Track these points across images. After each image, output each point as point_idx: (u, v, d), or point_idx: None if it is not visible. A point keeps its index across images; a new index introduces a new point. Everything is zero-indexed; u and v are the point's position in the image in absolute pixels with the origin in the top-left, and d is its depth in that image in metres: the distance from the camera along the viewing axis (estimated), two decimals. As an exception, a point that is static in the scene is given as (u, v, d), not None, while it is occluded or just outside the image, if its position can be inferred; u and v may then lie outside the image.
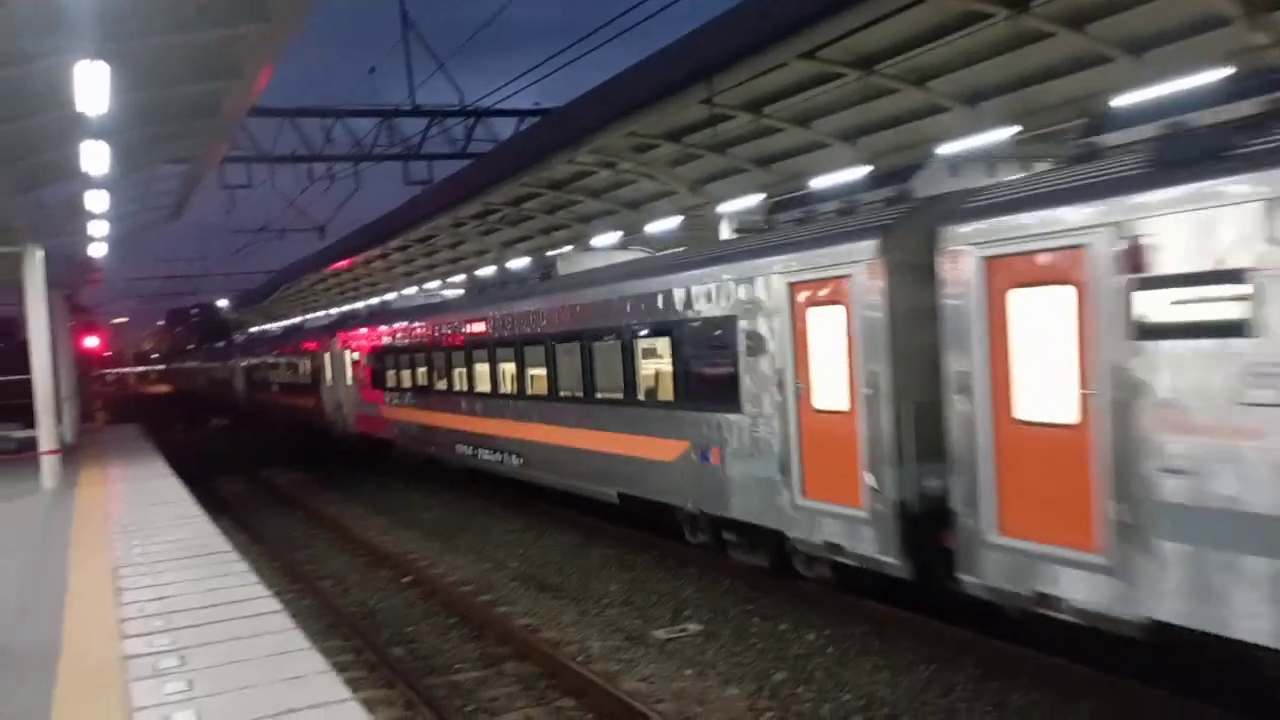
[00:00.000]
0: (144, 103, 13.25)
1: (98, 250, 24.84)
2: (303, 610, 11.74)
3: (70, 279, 30.74)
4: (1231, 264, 6.07)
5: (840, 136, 20.66)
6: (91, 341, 33.46)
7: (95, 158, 13.43)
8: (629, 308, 13.09)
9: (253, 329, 62.40)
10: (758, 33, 15.45)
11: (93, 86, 10.24)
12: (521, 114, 27.87)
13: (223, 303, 79.49)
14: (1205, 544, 6.24)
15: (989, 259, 7.79)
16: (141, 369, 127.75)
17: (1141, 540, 6.62)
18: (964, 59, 16.64)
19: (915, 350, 8.74)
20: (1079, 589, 7.08)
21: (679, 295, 11.95)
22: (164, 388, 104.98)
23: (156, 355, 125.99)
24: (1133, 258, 6.66)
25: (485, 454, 18.11)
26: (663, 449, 12.40)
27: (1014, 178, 9.05)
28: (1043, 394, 7.45)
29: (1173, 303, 6.46)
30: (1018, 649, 8.29)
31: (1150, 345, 6.58)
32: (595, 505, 14.46)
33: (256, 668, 6.13)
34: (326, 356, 29.10)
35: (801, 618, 10.02)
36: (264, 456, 29.81)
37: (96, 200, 16.90)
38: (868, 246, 9.05)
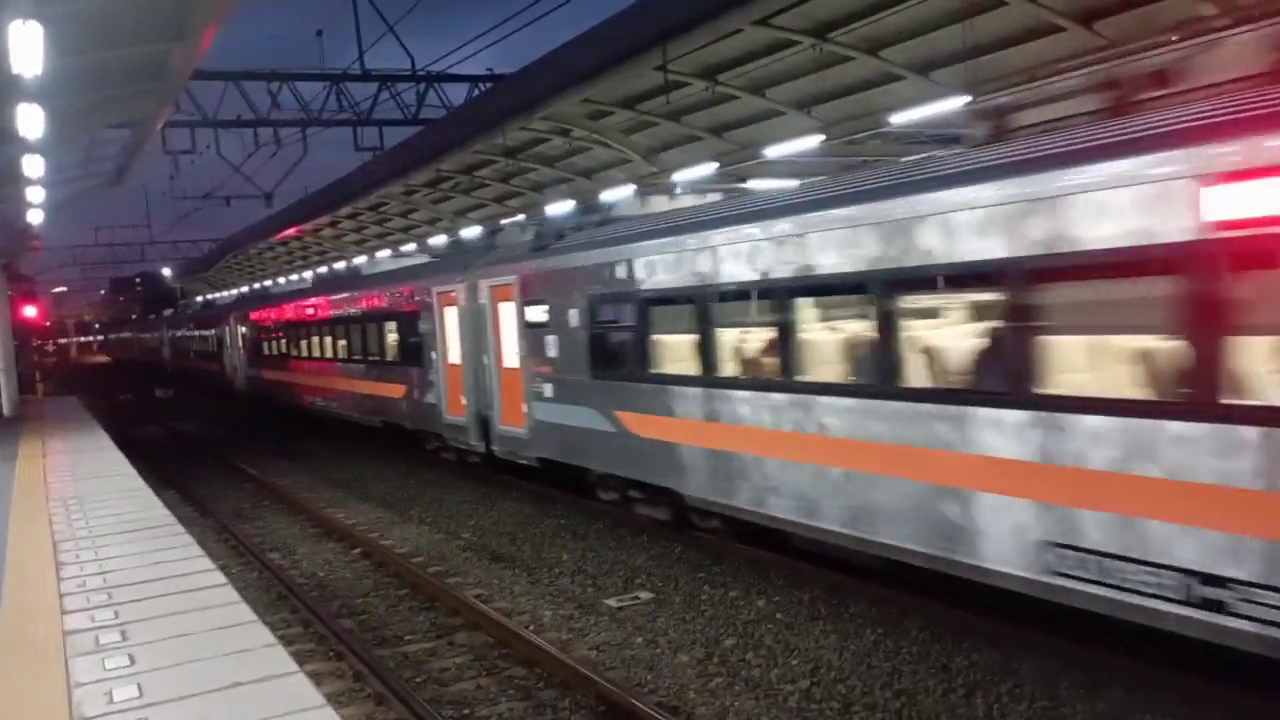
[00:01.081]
0: (83, 65, 12.84)
1: (35, 217, 24.16)
2: (250, 583, 11.62)
3: (7, 247, 29.85)
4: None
5: (795, 105, 20.67)
6: (30, 311, 32.59)
7: (31, 121, 13.01)
8: (374, 302, 21.17)
9: (172, 309, 66.83)
10: (712, -1, 15.34)
11: (27, 48, 9.89)
12: (474, 80, 27.46)
13: (167, 271, 77.87)
14: (554, 422, 13.78)
15: (491, 286, 15.58)
16: (83, 339, 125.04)
17: (535, 422, 14.28)
18: (917, 27, 16.70)
19: (473, 332, 16.31)
20: (517, 445, 15.09)
21: (395, 292, 19.86)
22: (105, 358, 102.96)
23: (98, 325, 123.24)
24: (509, 292, 14.86)
25: (317, 401, 25.77)
26: (396, 390, 19.90)
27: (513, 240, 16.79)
28: (510, 354, 15.09)
29: (529, 312, 14.30)
30: (962, 613, 8.44)
31: (529, 331, 14.29)
32: (547, 475, 14.53)
33: (201, 642, 6.02)
34: (226, 331, 36.94)
35: (752, 584, 10.11)
36: (212, 428, 29.39)
37: (33, 165, 16.39)
38: (460, 276, 16.75)
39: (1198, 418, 5.99)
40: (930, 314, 8.84)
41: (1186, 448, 6.06)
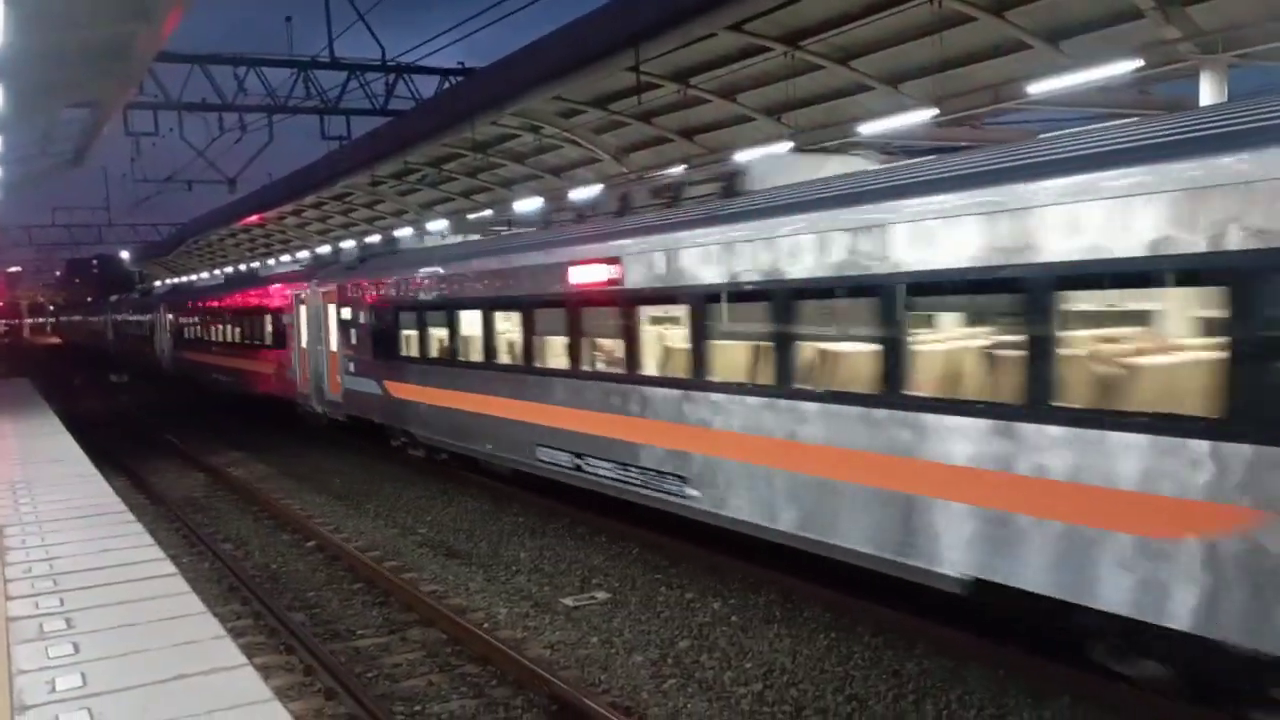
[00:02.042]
0: (44, 43, 12.56)
1: (-10, 194, 23.60)
2: (201, 574, 11.47)
3: (-41, 224, 29.12)
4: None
5: (765, 111, 20.77)
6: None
7: (-13, 97, 12.71)
8: (256, 299, 26.10)
9: (117, 295, 69.78)
10: (687, 1, 15.37)
11: (-14, 22, 9.66)
12: (444, 72, 27.24)
13: (125, 255, 76.53)
14: (355, 390, 19.36)
15: (323, 292, 20.75)
16: (37, 320, 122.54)
17: (345, 390, 19.85)
18: (888, 39, 16.84)
19: (314, 326, 21.38)
20: (336, 407, 20.62)
21: (269, 292, 24.84)
22: (57, 340, 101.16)
23: (52, 308, 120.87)
24: (333, 296, 20.32)
25: (220, 378, 30.65)
26: (269, 368, 25.09)
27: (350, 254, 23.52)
28: (333, 342, 20.24)
29: (343, 312, 19.84)
30: (913, 619, 8.53)
31: (341, 325, 19.69)
32: (504, 473, 14.48)
33: (148, 632, 5.92)
34: (156, 317, 42.42)
35: (708, 587, 10.15)
36: (168, 415, 28.94)
37: (-12, 142, 16.02)
38: (308, 282, 22.16)
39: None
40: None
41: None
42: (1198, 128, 6.05)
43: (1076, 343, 6.94)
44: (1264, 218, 5.43)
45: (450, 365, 15.44)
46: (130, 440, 23.60)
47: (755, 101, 20.58)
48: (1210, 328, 6.09)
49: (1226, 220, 5.59)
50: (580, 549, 11.89)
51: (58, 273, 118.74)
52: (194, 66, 24.20)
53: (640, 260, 10.68)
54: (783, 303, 8.89)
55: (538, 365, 12.99)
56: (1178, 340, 6.63)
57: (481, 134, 25.14)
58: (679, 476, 10.31)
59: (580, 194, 25.83)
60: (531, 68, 20.06)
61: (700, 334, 9.89)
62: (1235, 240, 5.54)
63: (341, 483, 17.03)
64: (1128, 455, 6.16)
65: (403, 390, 17.24)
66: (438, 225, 28.85)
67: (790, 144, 19.99)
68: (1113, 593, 6.32)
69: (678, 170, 22.25)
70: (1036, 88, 14.84)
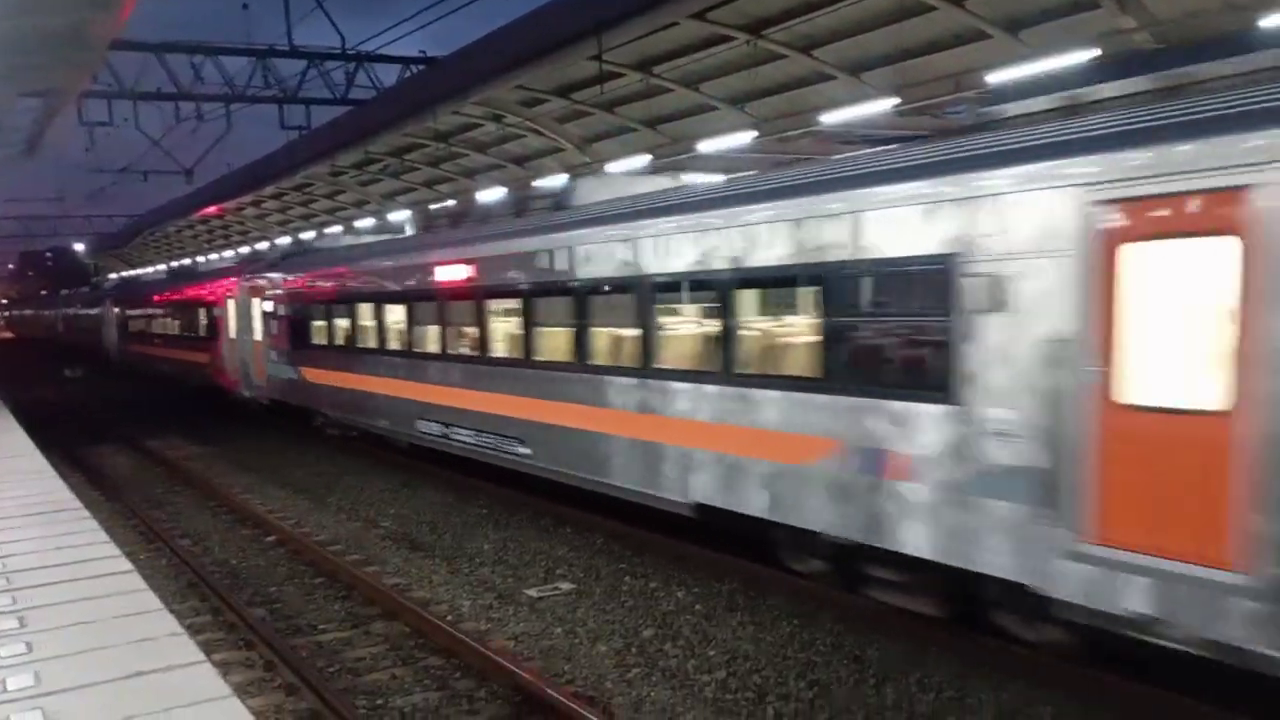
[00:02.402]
0: (-6, 29, 12.26)
1: (-62, 185, 23.07)
2: (159, 570, 11.31)
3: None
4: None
5: (728, 101, 20.78)
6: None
7: (-67, 84, 12.39)
8: (191, 294, 28.36)
9: (68, 290, 71.90)
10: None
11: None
12: (406, 61, 26.97)
13: (80, 247, 75.15)
14: (276, 376, 21.50)
15: (250, 287, 22.04)
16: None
17: (268, 376, 22.06)
18: (850, 28, 16.91)
19: (242, 318, 23.17)
20: (261, 391, 22.86)
21: (203, 288, 26.50)
22: (9, 334, 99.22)
23: (5, 301, 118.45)
24: (257, 291, 22.23)
25: (163, 368, 32.77)
26: (204, 359, 27.04)
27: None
28: (258, 333, 22.24)
29: (266, 306, 22.04)
30: (874, 605, 8.61)
31: (265, 318, 21.56)
32: (470, 464, 14.42)
33: (103, 630, 5.84)
34: (104, 311, 45.59)
35: (672, 576, 10.17)
36: (124, 410, 28.49)
37: (-65, 131, 15.63)
38: (237, 278, 23.32)
39: None
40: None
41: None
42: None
43: (744, 327, 9.36)
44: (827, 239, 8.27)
45: (351, 352, 17.89)
46: (86, 435, 23.21)
47: (718, 91, 20.59)
48: (812, 317, 8.51)
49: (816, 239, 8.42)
50: (545, 540, 11.88)
51: (11, 265, 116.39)
52: (150, 55, 23.78)
53: (487, 263, 13.26)
54: (574, 299, 11.44)
55: (415, 351, 15.41)
56: (798, 326, 8.90)
57: (444, 123, 24.96)
58: (517, 439, 12.72)
59: (545, 183, 25.71)
60: (494, 56, 19.92)
61: (526, 323, 12.41)
62: (818, 254, 8.34)
63: (303, 476, 16.86)
64: (773, 405, 8.86)
65: (315, 375, 19.73)
66: (400, 216, 28.81)
67: (754, 133, 20.04)
68: (766, 503, 9.00)
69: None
70: (996, 77, 14.98)
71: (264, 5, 24.58)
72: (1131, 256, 6.17)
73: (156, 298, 33.84)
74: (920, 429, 7.49)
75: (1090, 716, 6.75)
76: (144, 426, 24.08)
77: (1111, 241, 6.25)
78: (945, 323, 7.23)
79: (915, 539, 7.58)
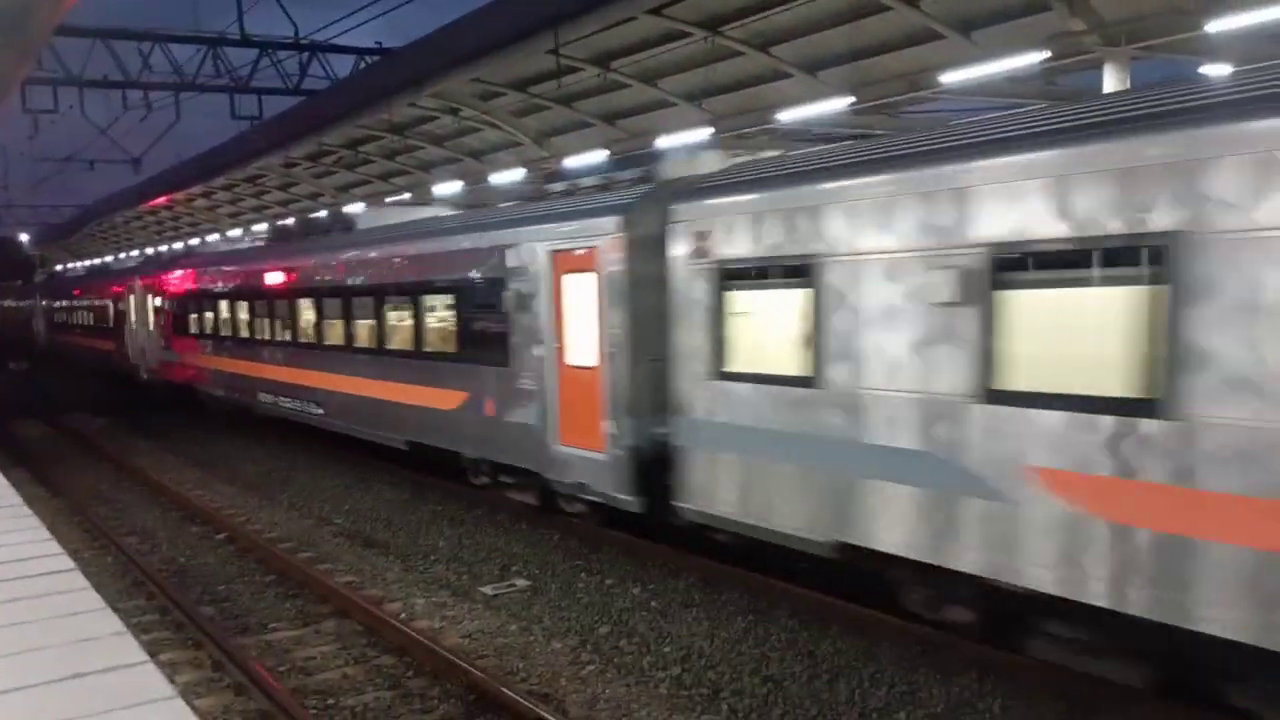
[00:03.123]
0: (-73, 11, 11.87)
1: (-127, 172, 22.37)
2: (104, 568, 11.08)
3: None
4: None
5: (686, 96, 20.77)
6: None
7: None
8: (101, 288, 32.93)
9: (3, 283, 72.72)
10: (606, -15, 15.26)
11: None
12: (361, 52, 26.65)
13: (24, 238, 73.29)
14: (166, 360, 25.78)
15: (143, 284, 27.29)
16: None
17: (159, 361, 26.50)
18: (806, 26, 16.96)
19: (140, 310, 27.62)
20: (155, 374, 26.86)
21: (110, 282, 30.73)
22: None
23: None
24: (150, 288, 26.69)
25: (82, 356, 36.86)
26: (110, 347, 31.33)
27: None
28: (151, 324, 26.76)
29: (153, 301, 26.73)
30: (829, 600, 8.67)
31: (155, 312, 26.43)
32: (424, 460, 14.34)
33: (42, 630, 5.68)
34: (35, 304, 51.29)
35: (628, 572, 10.17)
36: (71, 405, 27.88)
37: None
38: (132, 276, 28.85)
39: None
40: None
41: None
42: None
43: (427, 319, 13.78)
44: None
45: (212, 339, 22.24)
46: (30, 430, 22.68)
47: (676, 87, 20.57)
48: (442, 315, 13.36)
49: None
50: (500, 537, 11.81)
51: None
52: (96, 41, 23.25)
53: (292, 271, 17.92)
54: (340, 300, 16.08)
55: (255, 338, 19.88)
56: (445, 319, 13.27)
57: (399, 116, 24.65)
58: (315, 403, 17.27)
59: (500, 178, 25.55)
60: (450, 48, 19.72)
61: (316, 318, 17.03)
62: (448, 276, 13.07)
63: (254, 472, 16.62)
64: (443, 370, 13.36)
65: (189, 359, 23.86)
66: (355, 208, 28.54)
67: (710, 129, 20.07)
68: (448, 438, 13.41)
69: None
70: (949, 77, 15.13)
71: (215, -8, 24.12)
72: (566, 282, 10.87)
73: (76, 292, 38.16)
74: (496, 381, 12.14)
75: (1036, 708, 6.85)
76: (89, 421, 23.57)
77: (558, 273, 10.97)
78: (502, 319, 11.91)
79: (496, 450, 12.37)
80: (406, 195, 32.05)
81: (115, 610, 6.13)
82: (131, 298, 28.80)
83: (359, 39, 26.91)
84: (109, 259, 51.82)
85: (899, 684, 7.32)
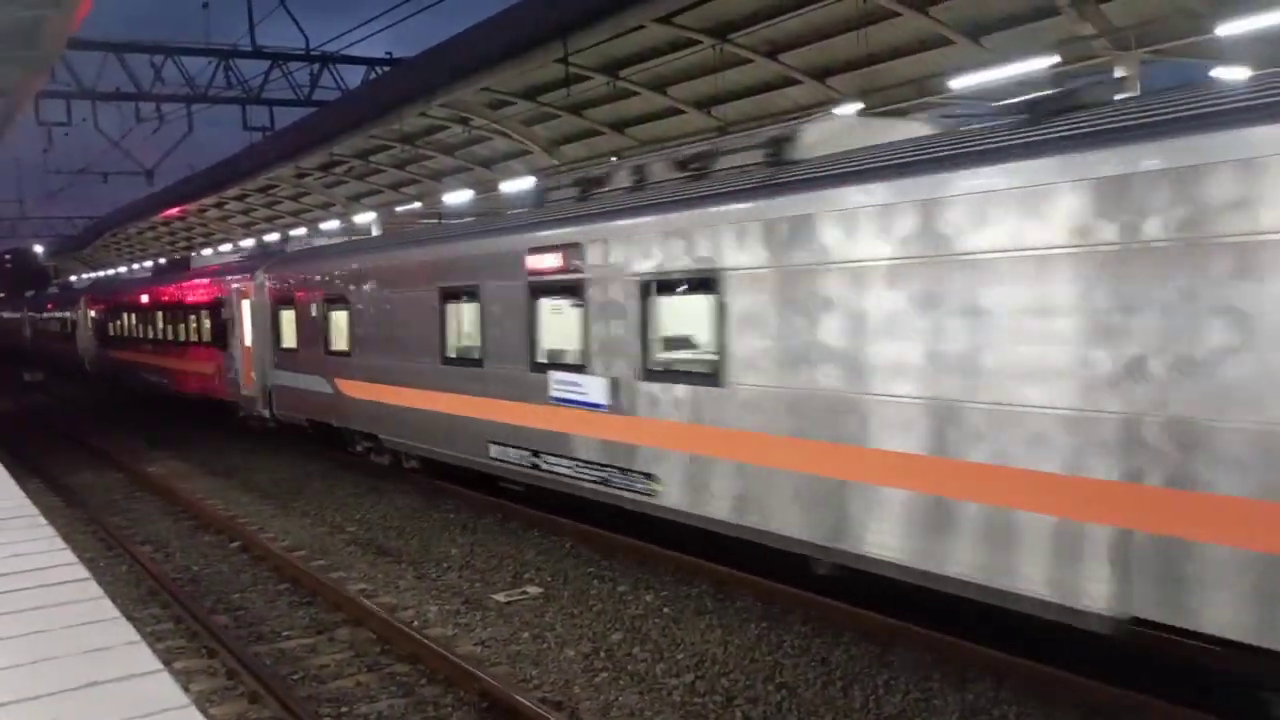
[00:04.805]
0: (-56, 26, 12.01)
1: (-110, 186, 22.57)
2: (119, 577, 11.12)
3: None
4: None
5: (695, 104, 20.82)
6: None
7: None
8: (63, 304, 43.85)
9: (34, 292, 73.40)
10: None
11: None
12: (371, 62, 26.81)
13: (39, 249, 73.85)
14: (100, 359, 36.49)
15: (87, 300, 38.63)
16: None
17: (91, 362, 38.31)
18: (814, 33, 17.01)
19: (86, 322, 39.21)
20: (92, 370, 37.49)
21: (66, 301, 43.38)
22: None
23: None
24: (90, 304, 38.95)
25: (48, 355, 44.97)
26: (71, 349, 40.42)
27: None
28: (91, 332, 37.82)
29: (92, 314, 38.28)
30: (843, 607, 8.64)
31: (91, 322, 37.66)
32: (443, 466, 14.33)
33: (57, 639, 5.70)
34: (24, 316, 56.60)
35: (641, 579, 10.15)
36: (84, 415, 28.04)
37: (-114, 130, 15.30)
38: (81, 295, 41.70)
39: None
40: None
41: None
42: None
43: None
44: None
45: (119, 341, 31.94)
46: (45, 440, 22.81)
47: (685, 94, 20.63)
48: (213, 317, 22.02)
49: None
50: (513, 544, 11.82)
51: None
52: (109, 54, 23.45)
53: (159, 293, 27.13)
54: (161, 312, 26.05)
55: (144, 339, 28.86)
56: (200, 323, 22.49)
57: (410, 125, 24.81)
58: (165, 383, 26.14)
59: (510, 186, 25.62)
60: (460, 58, 19.83)
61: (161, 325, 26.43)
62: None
63: (267, 481, 16.67)
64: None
65: (110, 356, 33.94)
66: (366, 218, 28.72)
67: (719, 135, 20.10)
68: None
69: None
70: (959, 82, 15.12)
71: (225, 5, 24.31)
72: (242, 304, 19.96)
73: (49, 306, 47.20)
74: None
75: (1053, 717, 6.81)
76: (104, 431, 23.69)
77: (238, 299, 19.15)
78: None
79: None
80: (417, 204, 32.16)
81: (130, 619, 6.17)
82: (81, 312, 33.36)
83: (370, 50, 26.99)
84: (79, 276, 57.75)
85: (913, 691, 7.29)
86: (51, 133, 26.66)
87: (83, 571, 7.10)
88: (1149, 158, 5.84)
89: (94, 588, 6.70)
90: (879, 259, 7.52)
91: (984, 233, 6.77)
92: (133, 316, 29.88)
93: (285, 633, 9.17)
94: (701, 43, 17.82)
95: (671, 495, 9.73)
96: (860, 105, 17.06)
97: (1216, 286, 5.52)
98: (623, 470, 10.34)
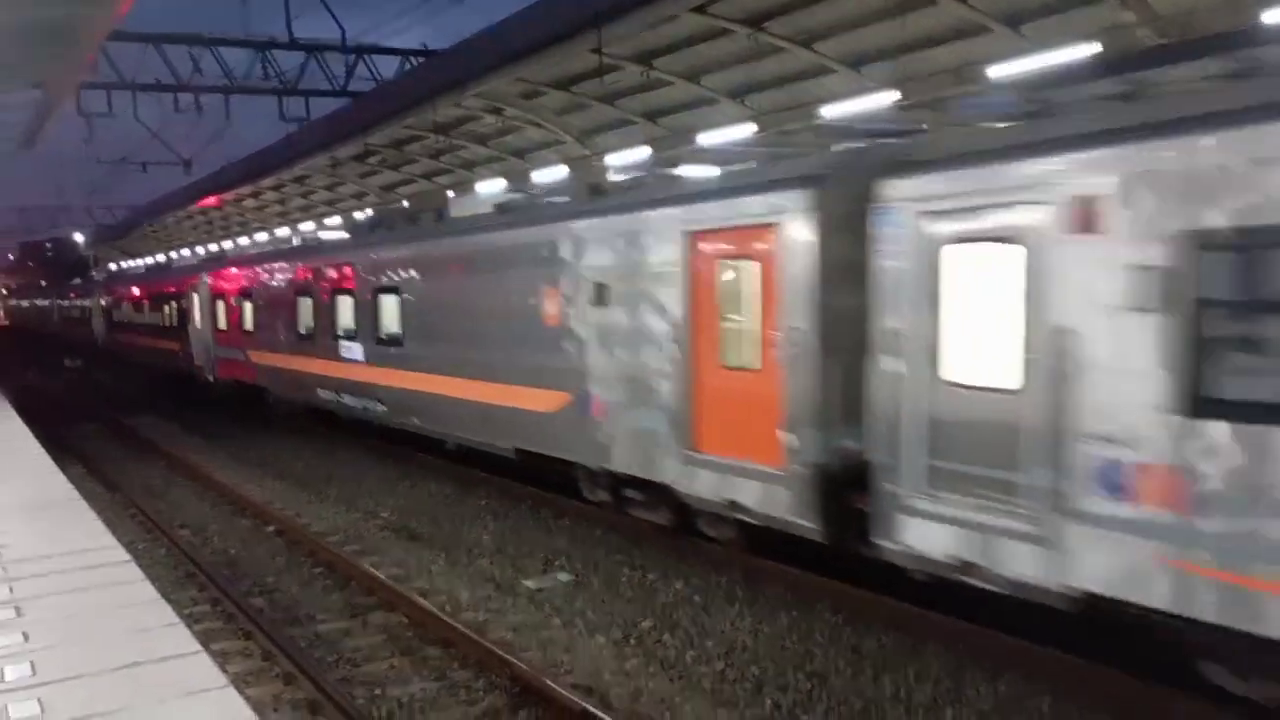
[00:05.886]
0: (-10, 21, 12.19)
1: (-63, 176, 23.04)
2: (158, 560, 11.32)
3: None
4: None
5: (728, 93, 20.71)
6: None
7: (-70, 75, 12.36)
8: (83, 296, 53.33)
9: (62, 282, 77.96)
10: (648, -17, 15.26)
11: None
12: (406, 53, 26.84)
13: (79, 238, 75.04)
14: (112, 340, 43.65)
15: (107, 284, 47.23)
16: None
17: (104, 341, 45.74)
18: (850, 21, 16.83)
19: (101, 310, 46.86)
20: (104, 349, 45.19)
21: (74, 293, 56.71)
22: (7, 323, 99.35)
23: (4, 292, 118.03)
24: (104, 295, 46.69)
25: (61, 333, 58.18)
26: (86, 332, 50.28)
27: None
28: (103, 320, 45.44)
29: (104, 303, 46.10)
30: (873, 596, 8.61)
31: (102, 311, 46.07)
32: (475, 453, 14.45)
33: (100, 620, 5.84)
34: (53, 302, 64.98)
35: (670, 567, 10.18)
36: (122, 401, 28.50)
37: (-67, 121, 15.61)
38: (95, 289, 50.52)
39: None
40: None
41: None
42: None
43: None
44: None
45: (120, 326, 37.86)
46: (86, 426, 23.22)
47: (718, 84, 20.52)
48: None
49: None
50: (543, 531, 11.89)
51: (11, 256, 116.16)
52: (148, 45, 23.70)
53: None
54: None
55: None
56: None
57: (443, 116, 24.86)
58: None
59: (543, 176, 25.66)
60: (493, 49, 19.85)
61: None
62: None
63: (303, 468, 16.87)
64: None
65: (113, 336, 39.73)
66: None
67: (753, 126, 20.00)
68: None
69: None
70: (997, 71, 14.92)
71: (264, -4, 24.45)
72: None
73: (73, 294, 54.86)
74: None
75: (1088, 709, 6.76)
76: (143, 418, 24.07)
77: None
78: None
79: None
80: (450, 193, 32.28)
81: (169, 601, 6.29)
82: (93, 300, 47.52)
83: (405, 41, 27.15)
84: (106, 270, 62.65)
85: (945, 680, 7.26)
86: (92, 123, 27.01)
87: (124, 555, 7.26)
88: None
89: (135, 570, 6.85)
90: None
91: None
92: (128, 305, 37.34)
93: (320, 616, 9.30)
94: (736, 32, 17.71)
95: (389, 413, 16.43)
96: (897, 94, 16.90)
97: None
98: (371, 398, 16.88)
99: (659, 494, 10.28)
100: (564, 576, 10.14)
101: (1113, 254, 6.16)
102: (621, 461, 10.65)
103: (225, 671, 5.41)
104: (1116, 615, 6.28)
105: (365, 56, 25.78)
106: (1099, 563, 6.29)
